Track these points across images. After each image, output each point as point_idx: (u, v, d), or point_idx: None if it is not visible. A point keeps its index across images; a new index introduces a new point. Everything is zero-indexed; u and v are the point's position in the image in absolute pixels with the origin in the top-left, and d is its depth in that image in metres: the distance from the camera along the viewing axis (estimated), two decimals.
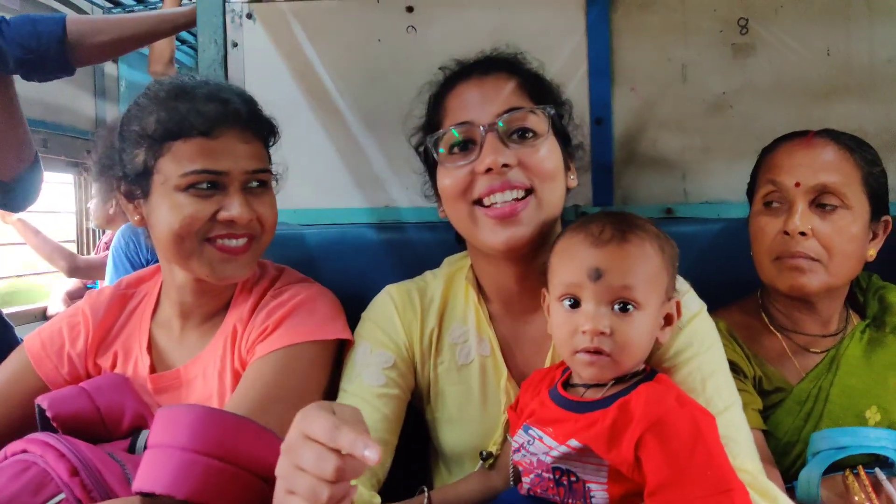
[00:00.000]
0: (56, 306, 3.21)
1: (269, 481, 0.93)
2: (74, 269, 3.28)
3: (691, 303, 1.06)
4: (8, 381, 1.20)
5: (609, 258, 0.91)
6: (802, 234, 1.13)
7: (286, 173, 1.26)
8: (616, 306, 0.90)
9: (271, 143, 1.23)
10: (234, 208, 1.10)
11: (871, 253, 1.19)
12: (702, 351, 1.02)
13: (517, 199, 1.03)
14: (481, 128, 1.04)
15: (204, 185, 1.09)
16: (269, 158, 1.22)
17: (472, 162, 1.04)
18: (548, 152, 1.05)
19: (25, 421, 1.12)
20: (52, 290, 3.48)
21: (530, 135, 1.05)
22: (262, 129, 1.18)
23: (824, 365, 1.19)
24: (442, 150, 1.08)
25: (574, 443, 0.88)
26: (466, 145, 1.06)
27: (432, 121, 1.13)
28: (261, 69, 1.60)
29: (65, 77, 1.54)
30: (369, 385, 1.09)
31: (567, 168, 1.12)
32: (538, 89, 1.11)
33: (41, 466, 0.97)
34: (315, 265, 1.45)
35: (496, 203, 1.03)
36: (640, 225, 0.95)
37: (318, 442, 0.70)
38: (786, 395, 1.19)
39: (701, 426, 0.85)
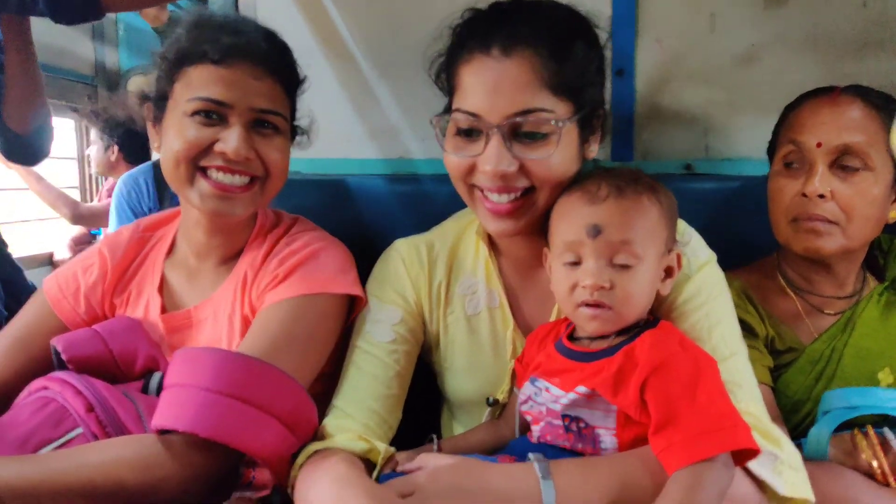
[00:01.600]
0: (62, 252, 3.21)
1: (287, 423, 0.95)
2: (77, 217, 3.27)
3: (700, 251, 1.06)
4: (28, 324, 1.21)
5: (607, 214, 0.92)
6: (821, 196, 1.11)
7: (315, 127, 1.24)
8: (615, 261, 0.91)
9: (298, 93, 1.21)
10: (230, 142, 1.08)
11: (893, 215, 1.17)
12: (710, 299, 1.02)
13: (515, 199, 1.02)
14: (488, 125, 0.99)
15: (208, 114, 1.08)
16: (290, 106, 1.19)
17: (474, 155, 1.01)
18: (557, 155, 0.99)
19: (47, 361, 1.14)
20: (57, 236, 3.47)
21: (540, 136, 0.99)
22: (280, 70, 1.14)
23: (839, 326, 1.19)
24: (449, 123, 1.05)
25: (581, 389, 0.90)
26: (471, 133, 1.02)
27: (447, 74, 1.08)
28: (273, 15, 1.54)
29: (93, 21, 1.50)
30: (379, 342, 1.10)
31: (584, 142, 1.06)
32: (563, 69, 0.99)
33: (60, 402, 1.01)
34: (329, 215, 1.43)
35: (493, 199, 1.02)
36: (636, 179, 0.96)
37: None
38: (798, 354, 1.19)
39: (703, 367, 0.87)
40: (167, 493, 0.92)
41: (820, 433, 1.07)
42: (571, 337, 0.99)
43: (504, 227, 1.03)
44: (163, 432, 0.94)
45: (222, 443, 0.91)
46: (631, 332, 0.93)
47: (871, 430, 1.07)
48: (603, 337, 0.95)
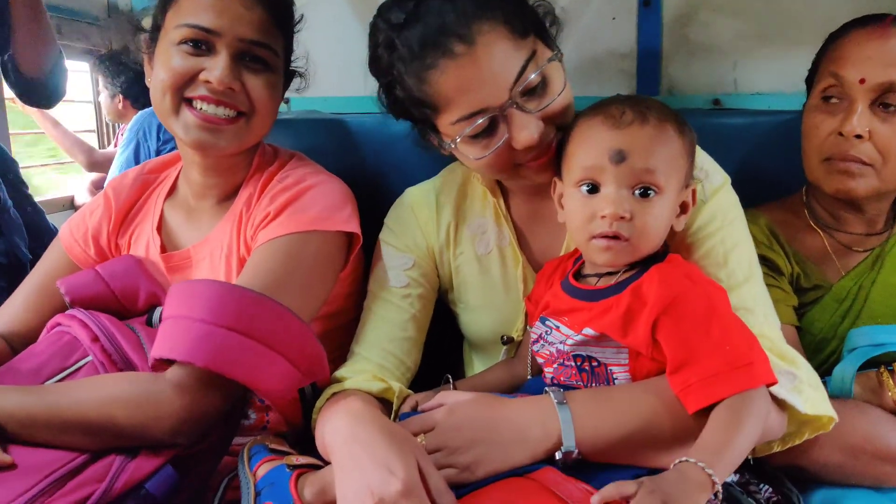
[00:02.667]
0: (83, 196, 3.23)
1: (293, 362, 0.96)
2: (93, 164, 3.28)
3: (714, 175, 1.04)
4: (47, 270, 1.25)
5: (632, 140, 0.88)
6: (859, 136, 1.07)
7: (311, 69, 1.22)
8: (637, 191, 0.88)
9: (294, 30, 1.18)
10: (215, 70, 1.06)
11: None
12: (725, 224, 1.01)
13: (548, 148, 1.00)
14: (501, 108, 0.95)
15: (195, 43, 1.07)
16: (286, 44, 1.17)
17: (503, 141, 0.97)
18: (562, 93, 0.98)
19: (64, 304, 1.16)
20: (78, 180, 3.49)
21: (542, 84, 0.97)
22: (272, 2, 1.11)
23: (867, 263, 1.17)
24: (458, 140, 0.99)
25: (589, 331, 0.89)
26: (489, 128, 0.97)
27: (417, 97, 0.98)
28: None
29: None
30: (393, 287, 1.12)
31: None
32: (520, 10, 0.98)
33: (72, 335, 1.05)
34: (347, 154, 1.42)
35: (534, 164, 1.00)
36: (659, 107, 0.92)
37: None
38: (824, 292, 1.17)
39: (714, 301, 0.86)
40: (158, 432, 0.93)
41: (844, 371, 1.06)
42: (577, 274, 0.98)
43: (546, 178, 1.02)
44: (160, 368, 0.96)
45: (218, 373, 0.92)
46: (638, 266, 0.92)
47: None
48: (610, 273, 0.93)
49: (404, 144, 1.42)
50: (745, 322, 0.90)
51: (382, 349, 1.08)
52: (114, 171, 2.72)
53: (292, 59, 1.21)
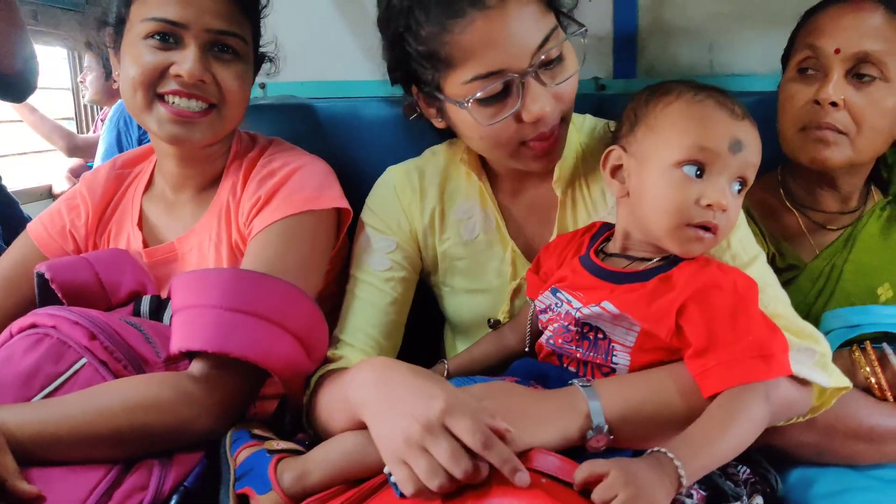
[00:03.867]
0: (60, 184, 3.20)
1: (302, 340, 0.97)
2: (73, 149, 3.24)
3: None
4: (15, 264, 1.21)
5: (748, 134, 0.88)
6: (833, 104, 1.08)
7: (286, 53, 1.21)
8: (736, 185, 0.88)
9: (261, 15, 1.17)
10: (185, 63, 1.05)
11: None
12: None
13: (555, 129, 1.00)
14: (520, 74, 0.93)
15: (162, 37, 1.06)
16: (254, 31, 1.16)
17: (514, 110, 0.94)
18: (575, 74, 0.98)
19: (34, 302, 1.12)
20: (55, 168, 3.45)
21: (559, 59, 0.96)
22: None
23: (840, 242, 1.18)
24: (469, 100, 0.95)
25: (609, 306, 0.88)
26: (502, 94, 0.95)
27: (431, 50, 0.95)
28: None
29: None
30: (375, 270, 1.11)
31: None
32: None
33: (55, 337, 0.96)
34: (325, 139, 1.42)
35: (539, 145, 0.99)
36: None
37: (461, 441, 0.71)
38: (799, 272, 1.18)
39: (742, 292, 0.85)
40: (197, 431, 0.93)
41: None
42: (598, 252, 0.97)
43: (549, 162, 1.02)
44: (173, 367, 0.96)
45: (240, 357, 0.91)
46: (668, 259, 0.91)
47: (869, 346, 1.07)
48: (641, 259, 0.92)
49: (381, 129, 1.44)
50: (758, 300, 0.90)
51: (366, 335, 1.08)
52: (98, 161, 2.69)
53: (261, 43, 1.20)
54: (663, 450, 0.75)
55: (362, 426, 0.84)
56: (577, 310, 0.91)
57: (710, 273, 0.86)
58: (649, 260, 0.92)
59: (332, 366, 1.01)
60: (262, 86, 1.55)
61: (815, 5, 1.16)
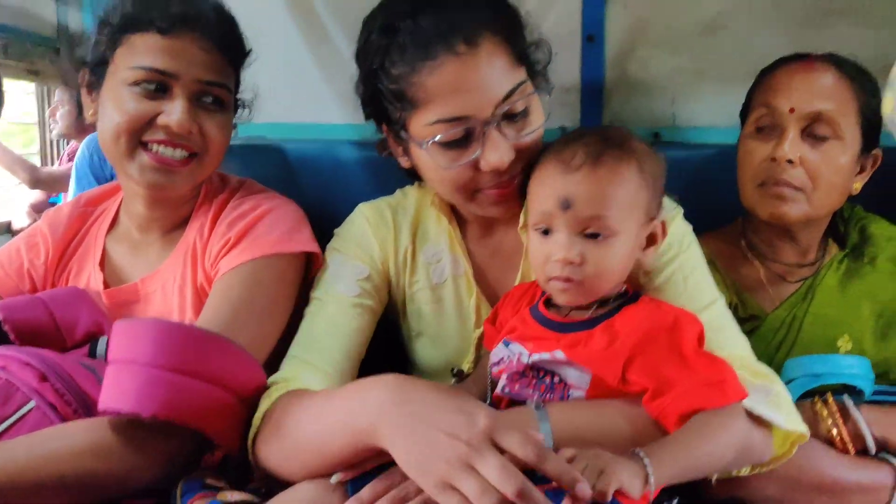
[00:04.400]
0: (21, 220, 3.13)
1: (241, 399, 0.92)
2: (36, 181, 3.18)
3: (668, 206, 1.05)
4: None
5: (578, 187, 0.88)
6: (790, 161, 1.11)
7: (257, 100, 1.21)
8: (588, 232, 0.89)
9: (243, 66, 1.18)
10: (174, 114, 1.05)
11: (857, 186, 1.18)
12: (682, 251, 1.03)
13: (513, 181, 1.01)
14: (482, 123, 0.95)
15: (150, 85, 1.05)
16: (236, 79, 1.16)
17: (472, 157, 0.96)
18: (538, 129, 1.00)
19: None
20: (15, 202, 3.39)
21: (523, 113, 0.98)
22: (227, 42, 1.12)
23: (800, 294, 1.20)
24: (429, 142, 0.97)
25: (559, 354, 0.89)
26: (463, 140, 0.96)
27: (400, 89, 0.96)
28: None
29: None
30: (343, 294, 1.08)
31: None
32: (521, 40, 1.01)
33: (3, 378, 0.94)
34: (294, 181, 1.42)
35: (495, 192, 1.01)
36: (618, 143, 0.91)
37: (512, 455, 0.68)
38: (760, 322, 1.20)
39: (683, 328, 0.86)
40: (141, 480, 0.89)
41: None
42: (548, 303, 0.98)
43: (505, 209, 1.04)
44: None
45: (169, 420, 0.87)
46: (610, 304, 0.92)
47: (830, 398, 1.08)
48: (582, 307, 0.93)
49: (352, 171, 1.44)
50: (715, 343, 0.92)
51: (328, 354, 1.02)
52: (70, 195, 2.64)
53: (240, 89, 1.21)
54: (636, 450, 0.76)
55: (369, 454, 0.78)
56: (528, 356, 0.92)
57: (652, 316, 0.88)
58: (589, 308, 0.93)
59: (290, 385, 0.93)
60: (234, 126, 1.54)
61: (769, 65, 1.20)
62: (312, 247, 1.13)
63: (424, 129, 0.97)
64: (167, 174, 1.08)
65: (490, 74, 0.94)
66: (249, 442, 0.92)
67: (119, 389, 0.88)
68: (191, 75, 1.06)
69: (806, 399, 1.09)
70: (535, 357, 0.90)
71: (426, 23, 0.94)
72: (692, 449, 0.80)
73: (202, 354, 0.90)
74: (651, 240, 0.95)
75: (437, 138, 0.96)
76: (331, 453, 0.81)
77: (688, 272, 1.01)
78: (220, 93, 1.10)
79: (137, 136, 1.07)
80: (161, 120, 1.05)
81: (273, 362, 1.02)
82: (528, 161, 1.00)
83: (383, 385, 0.78)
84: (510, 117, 0.97)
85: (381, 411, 0.75)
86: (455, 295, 1.13)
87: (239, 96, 1.21)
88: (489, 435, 0.69)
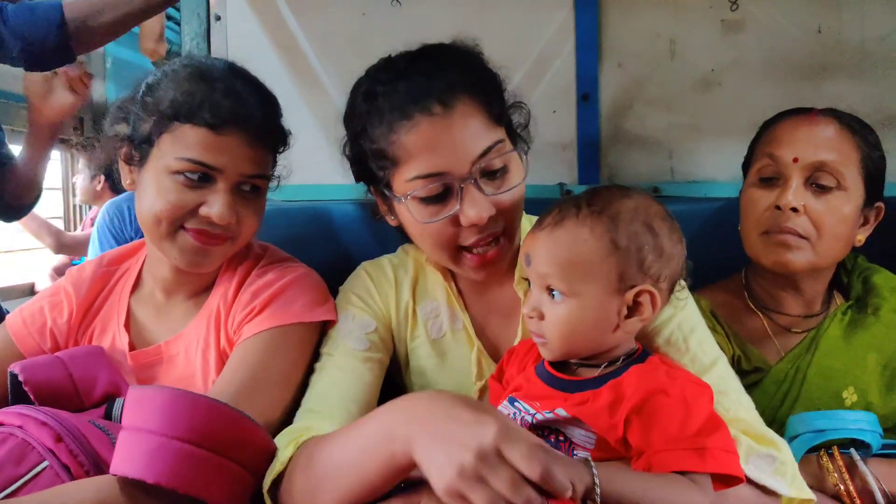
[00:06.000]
0: (44, 282, 3.20)
1: (246, 467, 0.91)
2: (61, 246, 3.26)
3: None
4: None
5: (537, 245, 0.91)
6: (794, 210, 1.12)
7: (288, 175, 1.25)
8: (548, 291, 0.90)
9: (280, 150, 1.21)
10: (216, 207, 1.07)
11: (860, 238, 1.18)
12: (678, 311, 1.02)
13: (494, 243, 1.03)
14: (459, 179, 0.98)
15: (195, 176, 1.07)
16: (274, 163, 1.20)
17: (452, 213, 0.99)
18: (518, 187, 1.02)
19: (5, 398, 1.10)
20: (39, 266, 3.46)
21: (502, 170, 1.01)
22: (272, 136, 1.16)
23: (804, 345, 1.19)
24: (408, 196, 1.00)
25: (562, 412, 0.88)
26: (441, 196, 0.99)
27: (381, 148, 1.01)
28: (244, 42, 1.58)
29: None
30: (354, 349, 1.09)
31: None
32: (499, 101, 1.04)
33: (20, 437, 0.95)
34: (299, 241, 1.43)
35: (478, 252, 1.03)
36: (596, 205, 0.88)
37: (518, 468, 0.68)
38: (764, 375, 1.18)
39: (689, 400, 0.84)
40: None
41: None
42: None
43: (488, 273, 1.05)
44: None
45: (173, 488, 0.87)
46: (617, 363, 0.91)
47: (836, 452, 1.06)
48: (590, 365, 0.92)
49: (354, 230, 1.47)
50: (720, 406, 0.91)
51: (341, 406, 1.02)
52: (91, 256, 2.71)
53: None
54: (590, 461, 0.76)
55: (407, 467, 0.78)
56: (533, 416, 0.91)
57: (658, 379, 0.86)
58: (598, 367, 0.92)
59: (312, 433, 0.94)
60: None
61: (771, 118, 1.23)
62: (332, 316, 1.15)
63: (405, 185, 1.00)
64: (204, 255, 1.12)
65: (466, 133, 0.97)
66: (266, 489, 0.92)
67: (128, 455, 0.89)
68: (235, 169, 1.08)
69: (813, 452, 1.07)
70: (540, 416, 0.90)
71: (403, 87, 0.99)
72: (647, 489, 0.77)
73: (208, 424, 0.91)
74: (635, 308, 0.90)
75: (416, 192, 0.99)
76: (368, 475, 0.81)
77: (687, 332, 1.00)
78: (259, 183, 1.13)
79: (178, 223, 1.09)
80: (203, 211, 1.08)
81: (285, 424, 1.02)
82: (509, 218, 1.02)
83: (414, 399, 0.80)
84: (489, 174, 1.00)
85: (411, 426, 0.76)
86: (455, 349, 1.14)
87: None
88: (497, 447, 0.68)
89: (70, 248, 3.29)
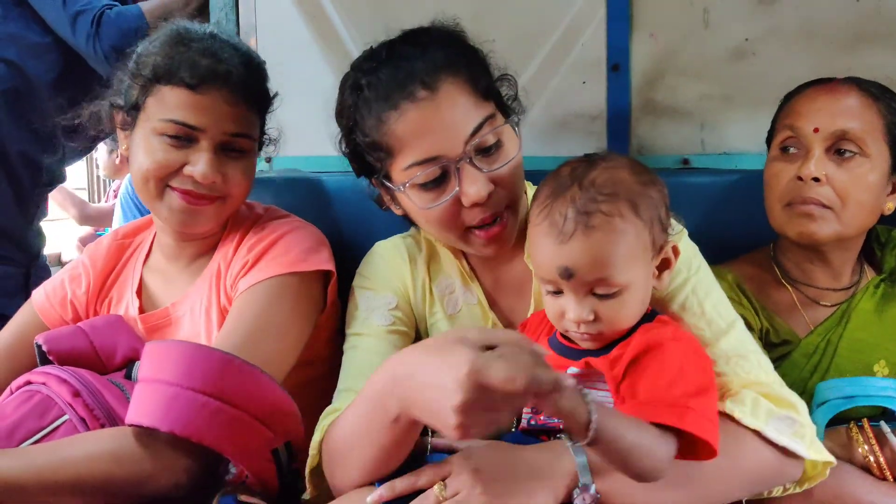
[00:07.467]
0: (70, 252, 3.25)
1: (261, 420, 0.95)
2: (85, 217, 3.31)
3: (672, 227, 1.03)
4: (17, 332, 1.26)
5: (575, 255, 0.85)
6: (816, 179, 1.11)
7: (292, 133, 1.27)
8: (597, 291, 0.87)
9: (269, 110, 1.23)
10: (199, 166, 1.10)
11: (890, 206, 1.17)
12: (692, 274, 1.02)
13: (500, 219, 1.03)
14: (453, 160, 0.98)
15: (177, 136, 1.10)
16: (261, 125, 1.22)
17: (452, 194, 0.99)
18: (514, 159, 1.02)
19: (34, 367, 1.15)
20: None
21: (496, 145, 1.00)
22: (253, 94, 1.17)
23: (834, 318, 1.18)
24: (406, 184, 1.01)
25: (573, 370, 0.90)
26: (439, 180, 1.00)
27: (374, 140, 1.01)
28: (273, 13, 1.57)
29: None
30: (379, 325, 1.11)
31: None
32: (485, 76, 1.04)
33: (45, 393, 1.03)
34: (328, 212, 1.45)
35: (486, 230, 1.03)
36: (607, 194, 0.87)
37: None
38: (793, 347, 1.18)
39: (684, 363, 0.85)
40: (156, 487, 0.93)
41: (814, 426, 1.06)
42: None
43: (498, 248, 1.05)
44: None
45: (187, 437, 0.91)
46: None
47: (866, 424, 1.06)
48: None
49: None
50: (740, 369, 0.93)
51: None
52: (116, 226, 2.75)
53: (266, 128, 1.26)
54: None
55: (413, 424, 0.81)
56: None
57: (661, 335, 0.88)
58: None
59: (333, 417, 0.98)
60: (268, 160, 1.59)
61: (792, 90, 1.21)
62: (328, 266, 1.17)
63: (402, 174, 1.01)
64: (193, 215, 1.14)
65: (453, 114, 0.97)
66: (308, 473, 0.98)
67: (143, 406, 0.94)
68: (217, 129, 1.11)
69: (843, 424, 1.08)
70: None
71: (386, 75, 0.99)
72: (635, 431, 0.78)
73: (221, 376, 0.94)
74: (665, 264, 0.94)
75: (415, 180, 0.99)
76: (379, 441, 0.85)
77: (702, 296, 1.00)
78: (244, 143, 1.15)
79: (165, 182, 1.12)
80: (187, 170, 1.11)
81: (301, 392, 1.04)
82: (510, 191, 1.02)
83: (392, 362, 0.83)
84: (483, 151, 0.99)
85: (396, 385, 0.80)
86: (470, 323, 1.15)
87: (265, 134, 1.27)
88: (475, 379, 0.69)
89: (94, 219, 3.34)
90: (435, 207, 1.01)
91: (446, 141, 0.97)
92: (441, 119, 0.97)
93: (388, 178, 1.04)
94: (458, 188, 0.98)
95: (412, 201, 1.03)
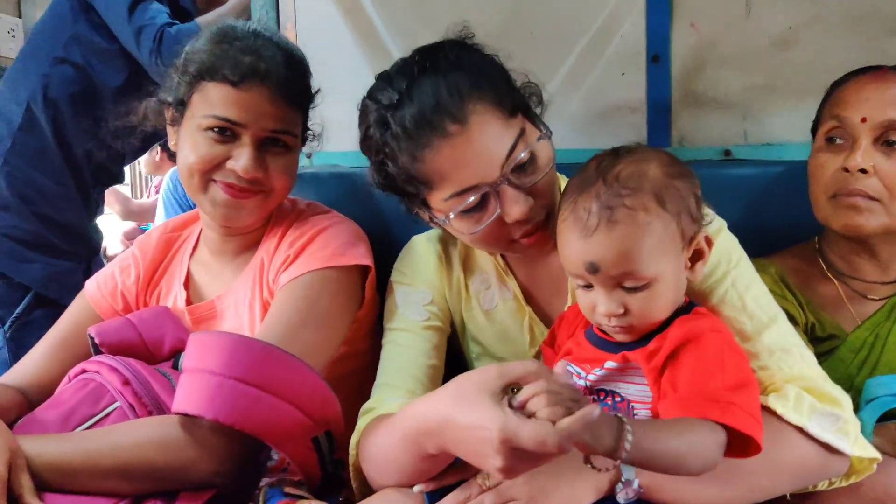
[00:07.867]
0: (114, 246, 3.33)
1: (301, 409, 0.98)
2: (128, 213, 3.38)
3: (711, 221, 1.02)
4: (71, 322, 1.31)
5: (599, 250, 0.86)
6: (863, 171, 1.09)
7: (333, 130, 1.29)
8: (626, 284, 0.87)
9: (311, 107, 1.26)
10: (241, 161, 1.13)
11: None
12: (731, 267, 1.00)
13: (540, 224, 1.03)
14: (494, 184, 0.97)
15: (220, 131, 1.13)
16: (304, 119, 1.24)
17: (495, 216, 0.99)
18: (549, 166, 1.01)
19: (89, 356, 1.20)
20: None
21: (530, 160, 0.99)
22: (295, 92, 1.19)
23: (883, 312, 1.16)
24: (451, 216, 1.00)
25: (611, 364, 0.90)
26: (481, 204, 0.99)
27: (410, 175, 0.99)
28: (311, 9, 1.59)
29: None
30: (414, 320, 1.14)
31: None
32: (509, 92, 1.01)
33: (98, 381, 1.08)
34: (367, 207, 1.46)
35: (528, 235, 1.03)
36: (631, 188, 0.86)
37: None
38: (840, 342, 1.16)
39: (725, 356, 0.85)
40: (199, 474, 0.96)
41: (863, 422, 1.04)
42: None
43: (542, 248, 1.05)
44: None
45: (230, 425, 0.94)
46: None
47: None
48: None
49: None
50: (783, 363, 0.92)
51: (410, 375, 1.08)
52: (159, 222, 2.82)
53: (309, 124, 1.29)
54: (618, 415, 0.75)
55: (448, 456, 0.85)
56: (585, 378, 0.93)
57: (700, 327, 0.87)
58: None
59: (374, 413, 1.01)
60: (309, 155, 1.62)
61: (839, 79, 1.19)
62: (366, 260, 1.19)
63: (443, 205, 1.00)
64: (236, 208, 1.17)
65: (486, 141, 0.96)
66: (351, 466, 1.01)
67: (188, 394, 0.97)
68: (258, 125, 1.13)
69: (891, 420, 1.05)
70: (592, 377, 0.91)
71: (412, 111, 0.96)
72: (677, 439, 0.77)
73: (262, 366, 0.98)
74: (698, 255, 0.92)
75: (458, 209, 0.99)
76: (413, 464, 0.89)
77: (742, 289, 0.99)
78: (286, 139, 1.18)
79: (209, 176, 1.16)
80: (229, 165, 1.14)
81: (341, 385, 1.06)
82: (548, 199, 1.02)
83: (416, 412, 0.87)
84: (519, 168, 0.98)
85: (431, 436, 0.83)
86: (507, 318, 1.17)
87: (309, 130, 1.29)
88: (507, 446, 0.71)
89: (137, 214, 3.41)
90: (479, 231, 1.01)
91: (482, 168, 0.96)
92: (474, 150, 0.95)
93: (427, 205, 1.05)
94: (499, 209, 0.98)
95: (456, 228, 1.04)
